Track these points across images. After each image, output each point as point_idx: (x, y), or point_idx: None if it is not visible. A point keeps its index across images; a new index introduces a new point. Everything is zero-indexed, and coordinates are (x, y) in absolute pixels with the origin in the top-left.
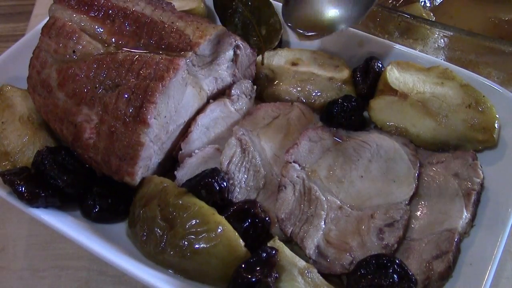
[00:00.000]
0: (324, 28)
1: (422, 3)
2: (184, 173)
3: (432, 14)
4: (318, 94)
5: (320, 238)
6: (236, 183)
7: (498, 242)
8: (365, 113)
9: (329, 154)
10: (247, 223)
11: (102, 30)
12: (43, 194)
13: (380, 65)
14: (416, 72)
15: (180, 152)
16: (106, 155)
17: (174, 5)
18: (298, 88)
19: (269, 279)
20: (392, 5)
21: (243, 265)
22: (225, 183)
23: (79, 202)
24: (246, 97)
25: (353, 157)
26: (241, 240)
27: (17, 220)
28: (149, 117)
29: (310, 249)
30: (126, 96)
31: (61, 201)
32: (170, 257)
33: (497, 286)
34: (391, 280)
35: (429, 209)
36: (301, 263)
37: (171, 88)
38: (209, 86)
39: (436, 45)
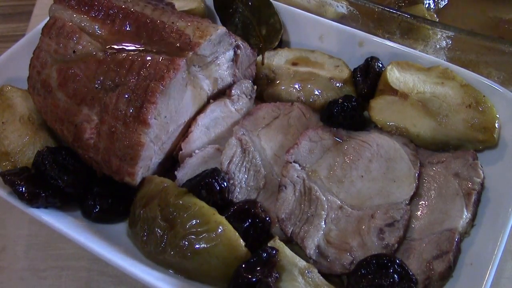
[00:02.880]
0: None
1: (427, 5)
2: (184, 173)
3: (436, 16)
4: (318, 94)
5: (320, 238)
6: (236, 183)
7: (498, 242)
8: (366, 113)
9: (330, 154)
10: (247, 223)
11: (102, 30)
12: (43, 194)
13: (381, 65)
14: (417, 72)
15: (181, 152)
16: (106, 155)
17: (174, 5)
18: (298, 88)
19: (269, 279)
20: (397, 6)
21: (243, 265)
22: (225, 183)
23: (79, 202)
24: (246, 97)
25: (354, 157)
26: (241, 240)
27: (18, 221)
28: (149, 117)
29: (311, 249)
30: (127, 96)
31: (62, 201)
32: (170, 257)
33: (498, 286)
34: (391, 280)
35: (429, 209)
36: (302, 263)
37: (171, 88)
38: (209, 86)
39: (437, 45)
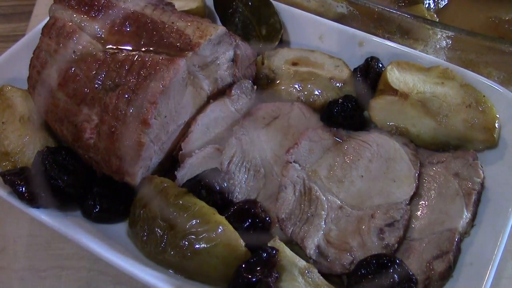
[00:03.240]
0: None
1: (427, 5)
2: (184, 173)
3: (436, 16)
4: (318, 94)
5: (320, 238)
6: (236, 183)
7: (498, 242)
8: (366, 113)
9: (330, 154)
10: (247, 223)
11: (102, 30)
12: (43, 194)
13: (381, 65)
14: (417, 72)
15: (181, 152)
16: (106, 155)
17: (174, 5)
18: (298, 88)
19: (269, 279)
20: (397, 6)
21: (243, 265)
22: (225, 183)
23: (79, 202)
24: (246, 97)
25: (354, 157)
26: (241, 240)
27: (18, 220)
28: (149, 117)
29: (311, 249)
30: (127, 96)
31: (62, 201)
32: (170, 257)
33: (498, 286)
34: (391, 280)
35: (429, 209)
36: (302, 263)
37: (172, 88)
38: (209, 86)
39: (437, 45)
